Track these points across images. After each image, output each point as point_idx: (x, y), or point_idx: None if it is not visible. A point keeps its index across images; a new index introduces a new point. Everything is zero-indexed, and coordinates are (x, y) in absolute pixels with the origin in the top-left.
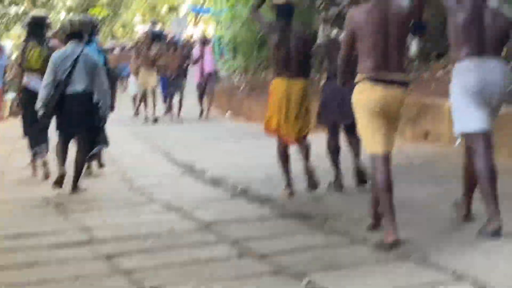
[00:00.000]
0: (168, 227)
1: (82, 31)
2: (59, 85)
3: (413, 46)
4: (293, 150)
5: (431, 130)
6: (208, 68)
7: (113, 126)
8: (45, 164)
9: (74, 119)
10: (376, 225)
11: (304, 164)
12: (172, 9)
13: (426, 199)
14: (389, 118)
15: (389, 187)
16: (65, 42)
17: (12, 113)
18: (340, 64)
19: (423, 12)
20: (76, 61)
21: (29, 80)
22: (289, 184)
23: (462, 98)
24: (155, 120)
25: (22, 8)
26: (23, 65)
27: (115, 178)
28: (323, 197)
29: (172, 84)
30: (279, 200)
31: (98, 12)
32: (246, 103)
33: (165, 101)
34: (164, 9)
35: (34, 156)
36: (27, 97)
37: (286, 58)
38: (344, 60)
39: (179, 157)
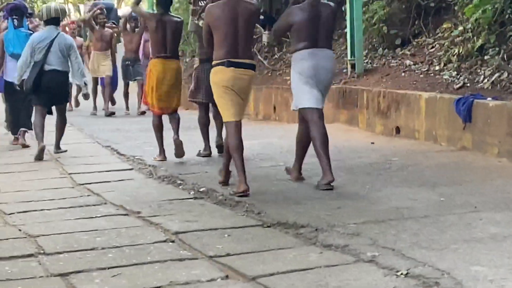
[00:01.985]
0: (130, 236)
1: (58, 17)
2: (37, 64)
3: (264, 36)
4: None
5: (403, 125)
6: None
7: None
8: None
9: (52, 94)
10: (226, 182)
11: (174, 135)
12: None
13: (427, 208)
14: (240, 94)
15: (239, 147)
16: (44, 26)
17: None
18: (206, 47)
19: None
20: (52, 42)
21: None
22: (162, 150)
23: (299, 80)
24: (111, 114)
25: None
26: None
27: (54, 173)
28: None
29: (128, 70)
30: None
31: None
32: None
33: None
34: None
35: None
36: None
37: (162, 41)
38: (208, 44)
39: (126, 151)
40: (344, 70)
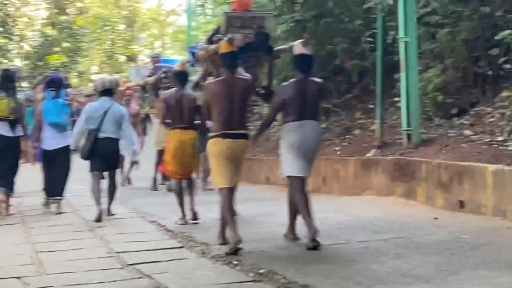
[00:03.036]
0: None
1: (111, 88)
2: (92, 132)
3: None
4: None
5: (467, 199)
6: None
7: None
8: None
9: (105, 160)
10: (223, 243)
11: (190, 198)
12: (130, 58)
13: None
14: (235, 162)
15: (231, 209)
16: (99, 96)
17: None
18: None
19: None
20: (105, 112)
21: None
22: (184, 214)
23: (287, 150)
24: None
25: None
26: None
27: (101, 252)
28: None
29: None
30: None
31: (56, 59)
32: None
33: None
34: (121, 58)
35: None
36: None
37: (179, 114)
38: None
39: (174, 227)
40: (398, 141)
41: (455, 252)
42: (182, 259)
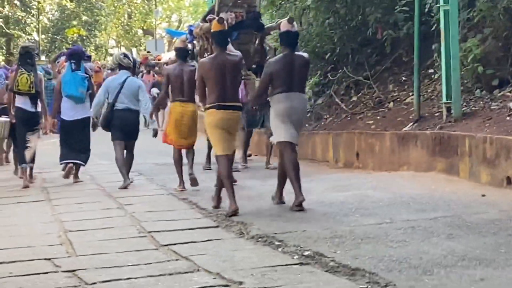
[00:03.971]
0: None
1: (130, 64)
2: (110, 103)
3: (257, 82)
4: None
5: None
6: None
7: None
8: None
9: (124, 130)
10: (217, 206)
11: (189, 167)
12: (148, 31)
13: None
14: (229, 131)
15: (229, 176)
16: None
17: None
18: (199, 94)
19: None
20: (122, 84)
21: (20, 101)
22: (182, 181)
23: (276, 119)
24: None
25: None
26: (14, 89)
27: (133, 231)
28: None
29: None
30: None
31: (74, 33)
32: None
33: None
34: (139, 32)
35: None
36: (19, 114)
37: (181, 87)
38: (201, 91)
39: (206, 205)
40: (437, 114)
41: None
42: (219, 239)
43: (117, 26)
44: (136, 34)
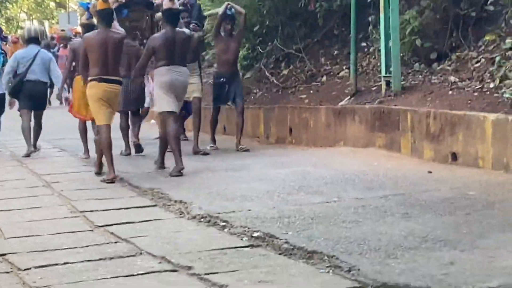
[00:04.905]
0: None
1: (38, 37)
2: (20, 75)
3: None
4: None
5: (461, 151)
6: None
7: None
8: None
9: (32, 100)
10: (99, 172)
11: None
12: (61, 4)
13: None
14: (109, 102)
15: (109, 145)
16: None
17: None
18: (81, 67)
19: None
20: (34, 57)
21: None
22: (87, 150)
23: (160, 90)
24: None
25: None
26: None
27: (63, 211)
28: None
29: (223, 90)
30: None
31: None
32: None
33: None
34: (51, 4)
35: None
36: None
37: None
38: (84, 65)
39: (138, 182)
40: (374, 88)
41: (469, 211)
42: (159, 219)
43: None
44: (48, 6)
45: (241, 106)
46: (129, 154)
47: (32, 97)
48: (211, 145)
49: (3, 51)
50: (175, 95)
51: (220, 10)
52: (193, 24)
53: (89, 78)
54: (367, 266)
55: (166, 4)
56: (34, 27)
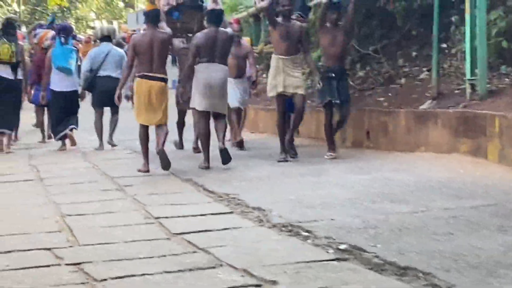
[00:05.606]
0: None
1: (110, 36)
2: (93, 71)
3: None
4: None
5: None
6: None
7: None
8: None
9: (106, 96)
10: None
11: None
12: (129, 4)
13: None
14: (154, 99)
15: (143, 141)
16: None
17: None
18: (128, 66)
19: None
20: (107, 55)
21: (1, 69)
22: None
23: (196, 87)
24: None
25: None
26: None
27: (138, 217)
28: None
29: (332, 87)
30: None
31: (56, 3)
32: None
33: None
34: (120, 4)
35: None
36: (0, 83)
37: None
38: (131, 63)
39: (212, 187)
40: (457, 91)
41: None
42: (237, 228)
43: None
44: (117, 6)
45: (347, 108)
46: (182, 148)
47: (105, 92)
48: (330, 153)
49: (76, 48)
50: (212, 92)
51: None
52: (297, 15)
53: (136, 75)
54: (468, 285)
55: (209, 5)
56: (107, 27)
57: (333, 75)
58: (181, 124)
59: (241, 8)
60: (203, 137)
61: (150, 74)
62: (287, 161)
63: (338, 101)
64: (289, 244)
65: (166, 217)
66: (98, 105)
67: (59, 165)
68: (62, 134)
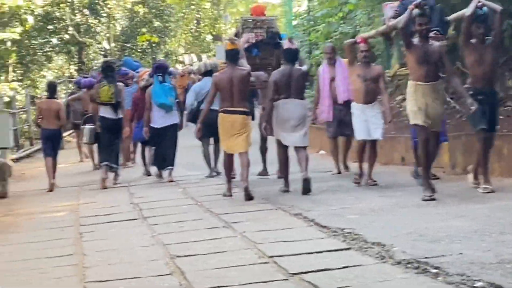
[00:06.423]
0: None
1: (212, 71)
2: (198, 104)
3: None
4: None
5: None
6: None
7: None
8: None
9: (212, 127)
10: (230, 194)
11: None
12: (217, 37)
13: None
14: (236, 132)
15: (229, 168)
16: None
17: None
18: (209, 100)
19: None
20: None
21: (103, 110)
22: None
23: (276, 122)
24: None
25: (66, 36)
26: (97, 100)
27: (250, 255)
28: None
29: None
30: None
31: (146, 39)
32: None
33: None
34: (208, 37)
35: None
36: (103, 122)
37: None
38: (212, 98)
39: (324, 221)
40: None
41: None
42: (358, 265)
43: (186, 32)
44: (205, 40)
45: (494, 136)
46: (266, 174)
47: (210, 126)
48: (486, 186)
49: (174, 86)
50: (290, 126)
51: (467, 10)
52: (434, 31)
53: (219, 110)
54: None
55: (286, 45)
56: (209, 62)
57: (483, 97)
58: (264, 149)
59: (336, 35)
60: (283, 165)
61: (231, 109)
62: (434, 199)
63: (485, 127)
64: (419, 283)
65: (281, 256)
66: (204, 136)
67: (161, 202)
68: (162, 171)
